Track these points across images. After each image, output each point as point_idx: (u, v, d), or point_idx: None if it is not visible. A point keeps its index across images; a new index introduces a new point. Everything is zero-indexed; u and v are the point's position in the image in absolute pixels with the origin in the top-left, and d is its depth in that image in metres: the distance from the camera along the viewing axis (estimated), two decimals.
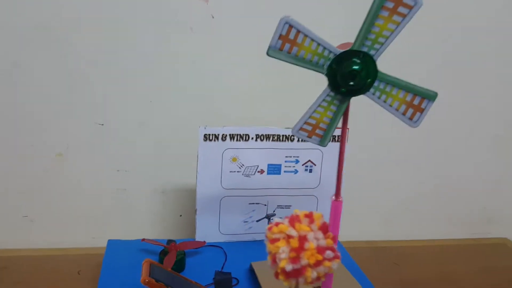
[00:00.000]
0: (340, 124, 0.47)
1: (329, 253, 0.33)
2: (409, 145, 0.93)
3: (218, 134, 0.69)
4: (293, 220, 0.34)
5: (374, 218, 0.97)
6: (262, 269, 0.61)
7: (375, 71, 0.43)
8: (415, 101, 0.44)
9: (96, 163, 0.82)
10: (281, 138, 0.71)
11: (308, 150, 0.72)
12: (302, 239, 0.33)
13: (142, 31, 0.77)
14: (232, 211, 0.73)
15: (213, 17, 0.78)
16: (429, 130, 0.92)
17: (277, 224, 0.35)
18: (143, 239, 0.67)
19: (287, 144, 0.72)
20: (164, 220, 0.88)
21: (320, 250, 0.33)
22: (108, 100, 0.79)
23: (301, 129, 0.46)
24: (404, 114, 0.45)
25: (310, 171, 0.73)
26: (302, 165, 0.73)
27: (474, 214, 1.03)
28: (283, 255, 0.33)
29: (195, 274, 0.63)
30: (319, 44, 0.42)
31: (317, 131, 0.46)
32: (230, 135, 0.69)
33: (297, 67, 0.44)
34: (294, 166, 0.73)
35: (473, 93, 0.93)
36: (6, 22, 0.72)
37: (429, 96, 0.44)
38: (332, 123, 0.46)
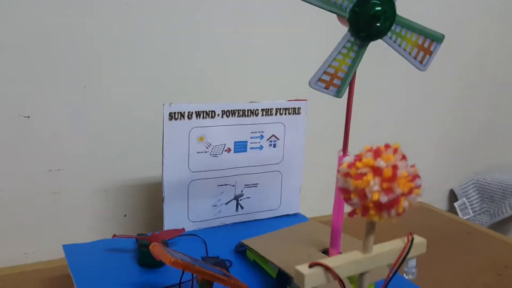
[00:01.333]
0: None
1: (418, 181, 0.33)
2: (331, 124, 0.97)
3: (184, 112, 0.64)
4: (377, 153, 0.32)
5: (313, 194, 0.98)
6: (256, 243, 0.58)
7: (394, 13, 0.44)
8: (426, 43, 0.46)
9: (23, 163, 0.69)
10: (246, 113, 0.68)
11: (271, 124, 0.71)
12: (394, 168, 0.32)
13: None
14: (201, 196, 0.68)
15: None
16: (372, 111, 0.97)
17: (359, 159, 0.33)
18: (114, 235, 0.58)
19: (252, 119, 0.69)
20: (106, 222, 0.78)
21: (412, 178, 0.32)
22: (35, 88, 0.68)
23: (319, 80, 0.45)
24: (415, 57, 0.46)
25: (274, 145, 0.72)
26: (267, 140, 0.71)
27: None
28: (375, 188, 0.31)
29: None
30: None
31: (335, 81, 0.45)
32: (196, 112, 0.65)
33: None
34: (259, 142, 0.71)
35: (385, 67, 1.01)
36: None
37: (437, 38, 0.46)
38: (350, 71, 0.45)
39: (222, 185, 0.69)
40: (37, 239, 0.72)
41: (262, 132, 0.70)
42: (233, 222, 0.71)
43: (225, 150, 0.68)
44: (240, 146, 0.69)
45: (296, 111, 0.72)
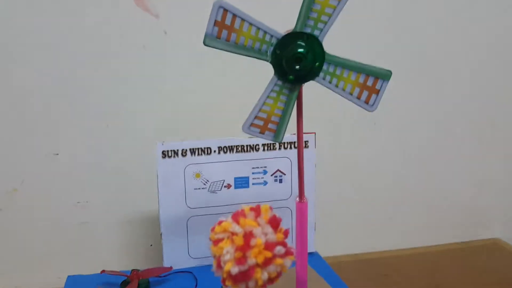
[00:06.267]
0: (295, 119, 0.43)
1: (279, 249, 0.29)
2: (386, 151, 0.90)
3: (178, 150, 0.65)
4: (237, 216, 0.30)
5: (357, 229, 0.92)
6: None
7: (322, 52, 0.40)
8: (369, 82, 0.41)
9: (53, 197, 0.77)
10: (245, 148, 0.67)
11: (275, 159, 0.69)
12: (248, 235, 0.29)
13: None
14: (201, 232, 0.68)
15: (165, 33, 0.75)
16: (403, 131, 0.89)
17: (220, 223, 0.30)
18: (103, 271, 0.61)
19: (253, 154, 0.68)
20: (133, 252, 0.82)
21: (269, 246, 0.29)
22: (62, 128, 0.75)
23: (252, 125, 0.43)
24: (358, 98, 0.41)
25: (280, 181, 0.69)
26: (271, 175, 0.69)
27: (462, 217, 0.99)
28: (227, 257, 0.29)
29: None
30: (259, 29, 0.39)
31: (270, 125, 0.43)
32: (190, 149, 0.65)
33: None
34: (262, 178, 0.69)
35: (445, 86, 0.90)
36: None
37: (383, 75, 0.41)
38: (284, 115, 0.42)
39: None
40: (66, 265, 0.79)
41: (265, 167, 0.68)
42: None
43: (225, 186, 0.68)
44: (241, 182, 0.68)
45: (304, 145, 0.69)
